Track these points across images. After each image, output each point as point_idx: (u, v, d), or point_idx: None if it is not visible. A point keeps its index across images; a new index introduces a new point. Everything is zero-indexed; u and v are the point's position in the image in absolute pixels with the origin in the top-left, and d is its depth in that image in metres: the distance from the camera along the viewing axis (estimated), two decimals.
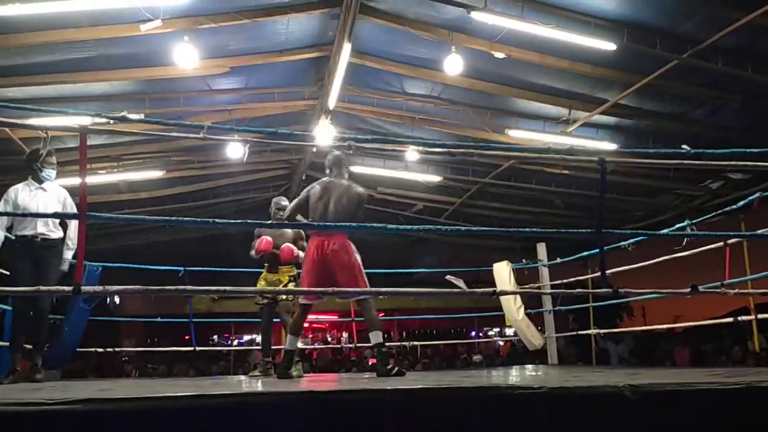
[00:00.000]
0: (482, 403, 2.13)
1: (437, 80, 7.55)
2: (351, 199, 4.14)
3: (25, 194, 4.38)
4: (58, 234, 4.44)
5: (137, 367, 11.85)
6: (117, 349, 7.91)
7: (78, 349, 6.16)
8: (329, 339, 17.23)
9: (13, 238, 4.35)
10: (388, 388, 2.19)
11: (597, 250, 3.30)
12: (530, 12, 5.96)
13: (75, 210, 4.20)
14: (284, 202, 5.18)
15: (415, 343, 8.42)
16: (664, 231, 5.00)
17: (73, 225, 4.42)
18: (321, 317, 16.03)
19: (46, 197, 4.42)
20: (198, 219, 2.85)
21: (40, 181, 4.44)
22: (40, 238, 4.34)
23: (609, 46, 6.16)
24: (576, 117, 7.81)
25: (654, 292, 3.69)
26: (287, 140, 3.74)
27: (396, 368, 3.90)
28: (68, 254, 4.50)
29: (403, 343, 8.47)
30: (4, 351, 4.74)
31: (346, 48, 6.37)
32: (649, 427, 2.16)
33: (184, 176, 10.08)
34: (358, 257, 4.16)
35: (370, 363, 13.89)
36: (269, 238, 5.02)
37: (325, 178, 4.31)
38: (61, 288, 2.67)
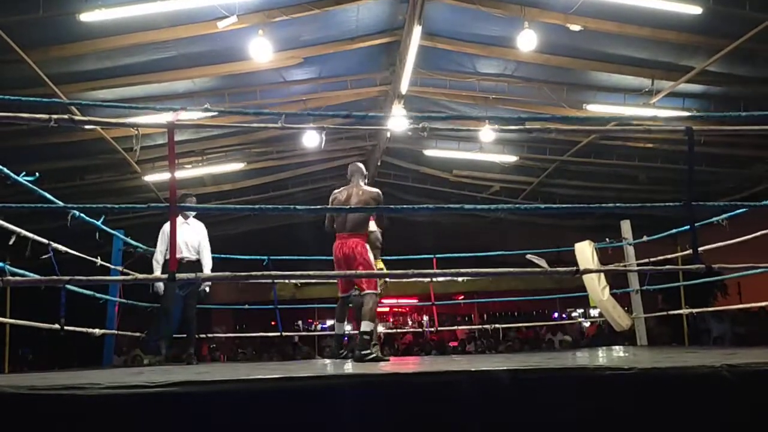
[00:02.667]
0: (569, 385, 2.09)
1: (510, 58, 7.39)
2: (361, 203, 4.56)
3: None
4: (196, 257, 5.51)
5: (226, 353, 12.39)
6: (210, 335, 8.26)
7: (174, 336, 6.51)
8: (410, 323, 17.36)
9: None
10: (472, 369, 2.19)
11: (687, 226, 3.15)
12: None
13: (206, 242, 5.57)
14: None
15: (497, 325, 8.32)
16: (765, 202, 4.69)
17: (206, 252, 5.59)
18: (402, 301, 16.14)
19: (190, 229, 5.54)
20: (280, 206, 2.94)
21: (185, 217, 5.52)
22: (185, 260, 5.36)
23: (694, 9, 5.84)
24: (660, 87, 7.43)
25: (753, 267, 3.49)
26: (361, 125, 3.78)
27: (374, 355, 4.12)
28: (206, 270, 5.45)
29: (484, 326, 8.40)
30: (110, 339, 5.29)
31: (417, 31, 6.33)
32: (749, 409, 2.06)
33: (264, 167, 10.38)
34: (370, 256, 4.51)
35: (451, 345, 13.94)
36: None
37: (347, 186, 4.80)
38: (157, 276, 2.82)
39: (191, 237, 5.52)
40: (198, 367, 4.69)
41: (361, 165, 4.94)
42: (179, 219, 5.36)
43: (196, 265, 5.44)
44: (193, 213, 5.60)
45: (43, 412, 1.87)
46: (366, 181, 4.87)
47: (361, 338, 4.22)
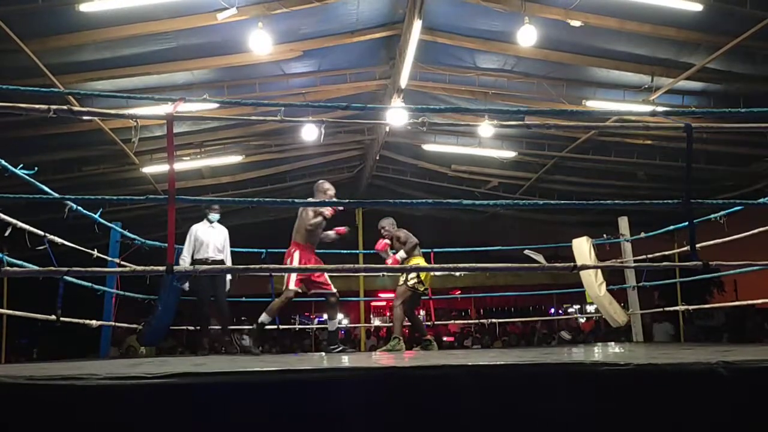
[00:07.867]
0: (565, 381, 2.10)
1: (510, 53, 7.37)
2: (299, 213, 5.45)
3: (202, 231, 6.13)
4: (221, 256, 6.16)
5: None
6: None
7: (171, 327, 6.52)
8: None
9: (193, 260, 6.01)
10: (469, 363, 2.19)
11: (685, 223, 3.16)
12: None
13: (227, 244, 6.18)
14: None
15: (494, 320, 8.34)
16: (762, 200, 4.70)
17: (228, 252, 6.26)
18: None
19: (215, 233, 6.20)
20: (278, 200, 2.94)
21: (210, 221, 6.18)
22: (210, 260, 6.01)
23: (695, 6, 5.84)
24: (659, 84, 7.43)
25: (750, 264, 3.50)
26: (360, 119, 3.77)
27: (260, 349, 4.81)
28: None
29: (480, 321, 8.41)
30: (107, 330, 5.32)
31: (417, 25, 6.31)
32: (744, 406, 2.07)
33: (262, 160, 10.37)
34: (293, 258, 5.33)
35: (444, 340, 13.98)
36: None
37: None
38: (154, 268, 2.82)
39: (217, 239, 6.14)
40: (195, 358, 4.70)
41: (319, 182, 5.58)
42: (206, 224, 6.15)
43: (220, 264, 6.06)
44: (216, 219, 6.22)
45: (42, 403, 1.87)
46: (329, 195, 5.43)
47: (253, 330, 5.11)
